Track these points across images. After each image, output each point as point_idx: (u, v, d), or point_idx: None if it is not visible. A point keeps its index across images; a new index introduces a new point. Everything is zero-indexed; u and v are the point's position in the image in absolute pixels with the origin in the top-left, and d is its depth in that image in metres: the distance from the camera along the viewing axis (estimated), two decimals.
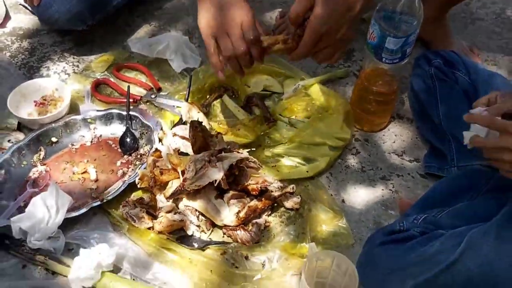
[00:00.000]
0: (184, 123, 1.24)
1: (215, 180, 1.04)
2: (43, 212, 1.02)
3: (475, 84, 1.26)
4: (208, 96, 1.37)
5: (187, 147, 1.16)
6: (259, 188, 1.09)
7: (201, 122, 1.12)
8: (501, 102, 1.03)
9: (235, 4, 1.02)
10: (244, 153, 1.10)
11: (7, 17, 1.60)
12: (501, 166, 0.91)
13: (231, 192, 1.09)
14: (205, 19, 1.04)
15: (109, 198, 1.10)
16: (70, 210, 1.06)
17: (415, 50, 1.55)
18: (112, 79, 1.40)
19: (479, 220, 0.96)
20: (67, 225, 1.06)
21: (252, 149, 1.22)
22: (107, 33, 1.56)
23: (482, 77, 1.27)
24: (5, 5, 1.61)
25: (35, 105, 1.29)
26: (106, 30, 1.55)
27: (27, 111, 1.28)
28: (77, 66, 1.46)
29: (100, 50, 1.51)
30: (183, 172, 1.07)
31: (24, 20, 1.60)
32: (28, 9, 1.60)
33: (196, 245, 1.07)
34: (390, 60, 1.18)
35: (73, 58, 1.48)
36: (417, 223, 0.96)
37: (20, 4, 1.64)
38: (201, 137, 1.10)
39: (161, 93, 1.38)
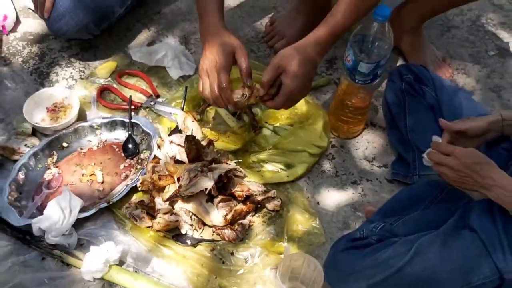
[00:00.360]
0: (180, 131, 1.40)
1: (206, 188, 1.21)
2: (59, 214, 1.19)
3: (440, 99, 1.41)
4: (201, 103, 1.52)
5: (182, 154, 1.32)
6: (244, 195, 1.26)
7: (195, 136, 1.27)
8: (456, 122, 1.21)
9: (217, 46, 1.18)
10: (232, 164, 1.28)
11: (17, 21, 1.72)
12: (445, 178, 1.12)
13: (220, 197, 1.26)
14: (202, 58, 1.21)
15: (114, 200, 1.27)
16: (81, 210, 1.23)
17: (393, 58, 1.71)
18: (115, 85, 1.55)
19: (430, 228, 1.14)
20: (78, 223, 1.23)
21: (239, 160, 1.38)
22: (109, 38, 1.69)
23: (446, 93, 1.42)
24: (15, 10, 1.73)
25: (47, 111, 1.45)
26: (109, 35, 1.69)
27: (40, 117, 1.44)
28: (83, 71, 1.60)
29: (104, 56, 1.65)
30: (178, 179, 1.24)
31: (33, 24, 1.73)
32: (36, 13, 1.73)
33: (189, 242, 1.25)
34: (363, 81, 1.33)
35: (79, 63, 1.62)
36: (375, 231, 1.13)
37: (29, 8, 1.77)
38: (194, 149, 1.26)
39: (159, 99, 1.53)
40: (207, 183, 1.21)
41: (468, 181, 1.08)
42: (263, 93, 1.17)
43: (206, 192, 1.22)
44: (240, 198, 1.27)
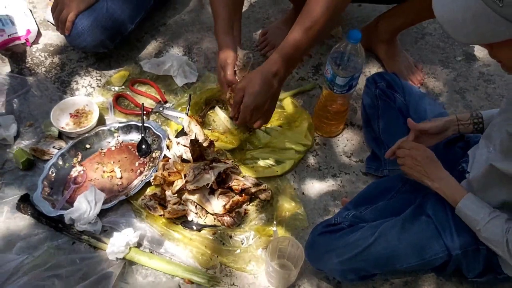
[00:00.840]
0: (185, 134, 1.64)
1: (208, 183, 1.46)
2: (86, 206, 1.43)
3: (408, 104, 1.64)
4: (203, 108, 1.76)
5: (188, 154, 1.56)
6: (240, 188, 1.51)
7: (198, 140, 1.52)
8: (420, 124, 1.43)
9: (223, 48, 1.47)
10: (229, 163, 1.52)
11: (39, 34, 1.95)
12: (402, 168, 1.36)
13: (220, 190, 1.51)
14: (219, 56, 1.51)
15: (132, 193, 1.51)
16: (104, 203, 1.48)
17: (370, 65, 1.94)
18: (128, 93, 1.79)
19: (393, 215, 1.38)
20: (102, 213, 1.47)
21: (236, 157, 1.62)
22: (121, 49, 1.92)
23: (414, 99, 1.65)
24: (36, 24, 1.95)
25: (71, 117, 1.69)
26: (121, 46, 1.91)
27: (65, 122, 1.67)
28: (100, 80, 1.84)
29: (117, 65, 1.88)
30: (185, 175, 1.49)
31: (52, 36, 1.96)
32: (57, 30, 1.94)
33: (194, 227, 1.49)
34: (340, 91, 1.57)
35: (96, 72, 1.86)
36: (347, 218, 1.38)
37: (47, 21, 1.99)
38: (198, 150, 1.51)
39: (167, 105, 1.76)
40: (209, 179, 1.46)
41: (416, 172, 1.33)
42: (232, 114, 1.44)
43: (208, 186, 1.47)
44: (236, 191, 1.51)
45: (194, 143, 1.49)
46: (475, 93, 1.90)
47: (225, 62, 1.47)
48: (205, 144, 1.55)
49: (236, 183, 1.51)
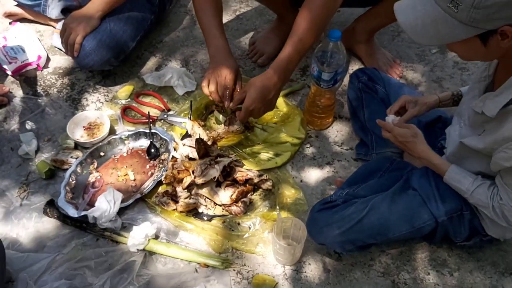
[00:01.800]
0: (190, 136, 1.80)
1: (215, 176, 1.61)
2: (106, 205, 1.58)
3: (389, 94, 1.81)
4: (204, 112, 1.92)
5: (194, 153, 1.72)
6: (244, 179, 1.67)
7: (203, 139, 1.68)
8: (408, 110, 1.58)
9: (225, 63, 1.64)
10: (233, 157, 1.68)
11: (48, 59, 2.12)
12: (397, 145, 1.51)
13: (226, 182, 1.66)
14: (209, 68, 1.67)
15: (146, 192, 1.67)
16: (121, 202, 1.63)
17: (352, 63, 2.12)
18: (134, 104, 1.95)
19: (383, 191, 1.53)
20: (121, 211, 1.62)
21: (238, 153, 1.78)
22: (124, 66, 2.09)
23: (393, 89, 1.82)
24: (45, 50, 2.13)
25: (84, 129, 1.85)
26: (124, 64, 2.08)
27: (79, 134, 1.84)
28: (107, 95, 2.00)
29: (122, 81, 2.05)
30: (193, 172, 1.65)
31: (60, 60, 2.13)
32: (62, 50, 2.12)
33: (205, 218, 1.64)
34: (326, 86, 1.74)
35: (103, 89, 2.02)
36: (341, 196, 1.53)
37: (55, 47, 2.17)
38: (203, 148, 1.67)
39: (170, 112, 1.93)
40: (215, 173, 1.62)
41: (403, 148, 1.49)
42: (232, 106, 1.66)
43: (215, 180, 1.62)
44: (241, 182, 1.67)
45: (200, 142, 1.66)
46: (451, 81, 2.08)
47: (238, 76, 1.68)
48: (209, 143, 1.71)
49: (240, 175, 1.67)
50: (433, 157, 1.44)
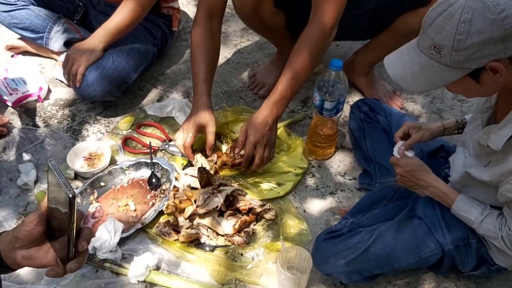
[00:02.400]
0: (192, 166, 1.79)
1: (217, 206, 1.59)
2: (106, 235, 1.55)
3: (390, 124, 1.82)
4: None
5: (196, 183, 1.70)
6: (247, 208, 1.64)
7: (205, 168, 1.67)
8: (412, 135, 1.57)
9: (194, 120, 1.75)
10: (235, 185, 1.66)
11: (49, 91, 2.12)
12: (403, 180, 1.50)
13: (228, 212, 1.64)
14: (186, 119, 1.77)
15: (146, 222, 1.64)
16: (122, 232, 1.60)
17: (353, 95, 2.13)
18: (135, 135, 1.95)
19: (387, 220, 1.52)
20: (121, 242, 1.59)
21: (240, 182, 1.76)
22: (125, 98, 2.10)
23: (395, 118, 1.82)
24: (46, 82, 2.13)
25: (84, 160, 1.83)
26: (125, 95, 2.09)
27: (79, 164, 1.82)
28: (108, 126, 2.00)
29: (123, 112, 2.05)
30: (195, 201, 1.62)
31: (61, 92, 2.14)
32: (63, 82, 2.13)
33: (207, 248, 1.61)
34: (329, 115, 1.74)
35: (104, 120, 2.02)
36: (346, 225, 1.51)
37: (56, 79, 2.18)
38: (206, 177, 1.65)
39: (172, 143, 1.91)
40: (218, 202, 1.60)
41: (409, 183, 1.48)
42: (238, 151, 1.72)
43: (217, 209, 1.60)
44: (243, 211, 1.65)
45: (202, 171, 1.64)
46: (451, 112, 2.09)
47: (209, 129, 1.74)
48: (211, 172, 1.70)
49: (243, 204, 1.64)
50: (442, 186, 1.44)
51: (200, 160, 1.77)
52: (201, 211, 1.59)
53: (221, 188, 1.64)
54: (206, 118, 1.74)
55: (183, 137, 1.75)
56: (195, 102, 1.78)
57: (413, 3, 1.76)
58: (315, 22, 1.63)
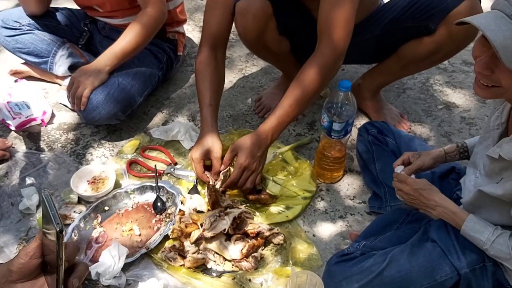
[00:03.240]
0: (197, 189, 1.75)
1: (224, 229, 1.55)
2: (110, 261, 1.50)
3: (399, 146, 1.79)
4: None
5: (202, 206, 1.66)
6: (255, 232, 1.60)
7: (214, 185, 1.63)
8: (413, 162, 1.55)
9: (200, 147, 1.72)
10: (243, 208, 1.62)
11: (52, 115, 2.11)
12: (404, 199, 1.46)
13: (236, 236, 1.59)
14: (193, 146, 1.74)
15: (151, 247, 1.59)
16: (126, 257, 1.55)
17: (360, 119, 2.11)
18: (140, 159, 1.91)
19: (400, 243, 1.47)
20: (125, 267, 1.53)
21: (248, 205, 1.72)
22: (130, 122, 2.08)
23: (404, 141, 1.80)
24: (50, 106, 2.12)
25: (88, 184, 1.79)
26: (130, 119, 2.07)
27: (83, 188, 1.78)
28: (113, 150, 1.97)
29: (128, 136, 2.03)
30: (201, 225, 1.58)
31: (65, 116, 2.12)
32: (67, 107, 2.11)
33: (214, 274, 1.56)
34: (337, 137, 1.72)
35: (108, 144, 1.99)
36: (359, 248, 1.46)
37: (60, 103, 2.16)
38: (214, 195, 1.61)
39: (177, 166, 1.88)
40: (225, 225, 1.55)
41: (417, 202, 1.44)
42: (223, 169, 1.68)
43: (225, 232, 1.55)
44: (252, 235, 1.60)
45: (211, 188, 1.61)
46: (459, 135, 2.07)
47: (213, 155, 1.70)
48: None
49: (251, 227, 1.60)
50: (451, 206, 1.39)
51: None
52: (208, 234, 1.55)
53: (228, 210, 1.60)
54: (211, 144, 1.71)
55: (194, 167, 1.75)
56: (201, 128, 1.76)
57: (418, 32, 1.76)
58: (325, 45, 1.60)
